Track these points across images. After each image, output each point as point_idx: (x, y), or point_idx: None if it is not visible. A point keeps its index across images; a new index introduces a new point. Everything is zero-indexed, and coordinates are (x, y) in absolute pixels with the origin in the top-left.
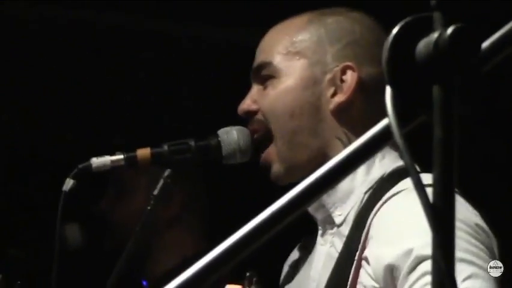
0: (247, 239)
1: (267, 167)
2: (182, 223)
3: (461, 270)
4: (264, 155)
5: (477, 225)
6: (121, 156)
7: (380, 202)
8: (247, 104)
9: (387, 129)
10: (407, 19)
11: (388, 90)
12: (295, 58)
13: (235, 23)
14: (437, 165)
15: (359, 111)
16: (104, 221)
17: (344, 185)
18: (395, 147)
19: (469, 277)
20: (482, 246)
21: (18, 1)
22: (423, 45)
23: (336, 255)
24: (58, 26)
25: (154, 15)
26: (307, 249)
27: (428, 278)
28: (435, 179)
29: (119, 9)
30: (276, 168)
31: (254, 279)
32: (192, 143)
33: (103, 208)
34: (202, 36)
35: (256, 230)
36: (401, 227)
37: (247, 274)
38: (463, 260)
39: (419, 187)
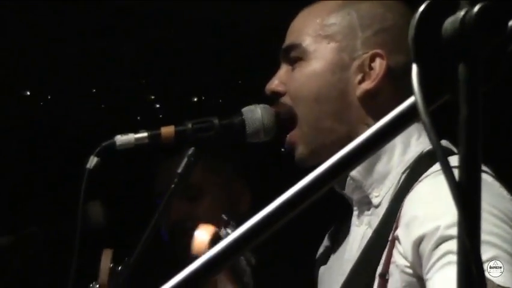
0: (275, 214)
1: (292, 149)
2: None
3: (484, 252)
4: (288, 138)
5: (511, 211)
6: (145, 134)
7: (416, 183)
8: (275, 84)
9: (413, 107)
10: None
11: (414, 68)
12: (324, 41)
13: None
14: (463, 143)
15: (386, 98)
16: (184, 228)
17: (381, 166)
18: None
19: (491, 259)
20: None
21: None
22: (450, 23)
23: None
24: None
25: None
26: (343, 229)
27: (450, 257)
28: (461, 157)
29: None
30: (300, 150)
31: (231, 222)
32: (216, 121)
33: (177, 218)
34: (226, 15)
35: (283, 206)
36: (430, 207)
37: (223, 216)
38: (487, 242)
39: (445, 166)
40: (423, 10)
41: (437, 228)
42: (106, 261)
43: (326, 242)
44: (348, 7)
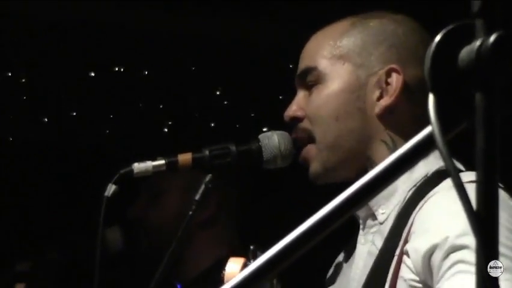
0: (296, 244)
1: (306, 164)
2: (217, 224)
3: None
4: (303, 153)
5: None
6: (163, 162)
7: (423, 200)
8: (293, 110)
9: (430, 137)
10: (449, 26)
11: (431, 97)
12: (340, 62)
13: (276, 23)
14: (480, 172)
15: (403, 113)
16: (139, 224)
17: None
18: None
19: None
20: None
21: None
22: (466, 52)
23: (377, 252)
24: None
25: (193, 15)
26: (351, 249)
27: (460, 267)
28: (478, 186)
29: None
30: (314, 167)
31: (258, 252)
32: (233, 147)
33: (137, 213)
34: (243, 38)
35: (303, 236)
36: (440, 220)
37: (251, 248)
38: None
39: (465, 200)
40: (439, 40)
41: (446, 238)
42: None
43: (336, 262)
44: (359, 26)
